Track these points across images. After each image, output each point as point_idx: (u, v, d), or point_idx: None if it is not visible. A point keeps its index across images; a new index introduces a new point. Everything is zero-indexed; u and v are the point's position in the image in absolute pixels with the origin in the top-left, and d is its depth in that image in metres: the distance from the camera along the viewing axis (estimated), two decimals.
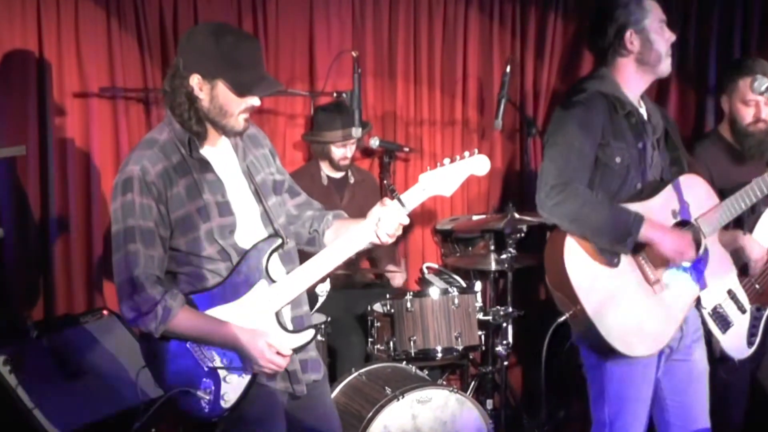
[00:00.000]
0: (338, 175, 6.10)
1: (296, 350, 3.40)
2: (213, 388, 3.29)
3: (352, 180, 6.13)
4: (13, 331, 4.87)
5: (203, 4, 5.83)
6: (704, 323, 4.30)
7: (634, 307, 3.84)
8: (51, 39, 5.42)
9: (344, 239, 3.43)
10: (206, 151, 3.42)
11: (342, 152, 5.94)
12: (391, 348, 5.30)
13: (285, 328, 3.41)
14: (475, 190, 6.76)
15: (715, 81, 6.58)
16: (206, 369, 3.31)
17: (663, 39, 3.92)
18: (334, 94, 4.98)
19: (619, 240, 3.75)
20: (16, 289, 5.37)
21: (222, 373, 3.31)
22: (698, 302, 4.11)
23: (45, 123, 5.42)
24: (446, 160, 3.37)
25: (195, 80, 3.27)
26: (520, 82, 6.75)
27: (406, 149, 6.38)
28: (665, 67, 3.97)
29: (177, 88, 3.31)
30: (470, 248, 6.39)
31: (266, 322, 3.37)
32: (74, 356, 4.92)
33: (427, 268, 6.15)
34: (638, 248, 3.83)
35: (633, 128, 3.91)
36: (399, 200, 3.36)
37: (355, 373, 5.13)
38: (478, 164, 3.40)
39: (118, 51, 5.61)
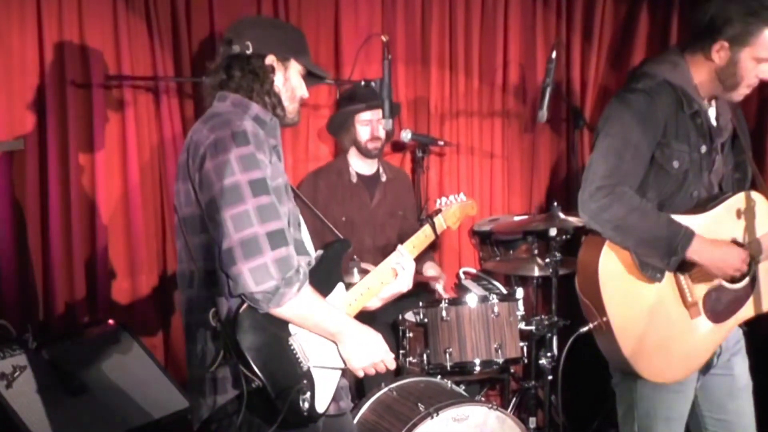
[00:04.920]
0: (369, 171, 6.04)
1: None
2: (310, 390, 3.31)
3: (383, 178, 6.08)
4: (10, 342, 4.81)
5: None
6: None
7: (665, 330, 3.79)
8: (52, 23, 5.35)
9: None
10: None
11: (368, 131, 5.87)
12: (425, 361, 5.25)
13: None
14: (517, 188, 6.73)
15: None
16: (305, 369, 3.32)
17: (751, 74, 3.75)
18: (362, 83, 4.90)
19: (663, 257, 3.68)
20: (13, 295, 5.32)
21: (318, 374, 3.35)
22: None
23: (44, 115, 5.37)
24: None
25: (271, 59, 3.49)
26: (567, 69, 6.74)
27: (441, 143, 6.35)
28: (736, 96, 3.85)
29: (251, 71, 3.48)
30: (511, 251, 6.36)
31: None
32: (77, 370, 4.87)
33: (464, 273, 6.12)
34: (682, 266, 3.75)
35: (698, 130, 3.81)
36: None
37: (385, 389, 5.07)
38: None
39: (125, 36, 5.54)
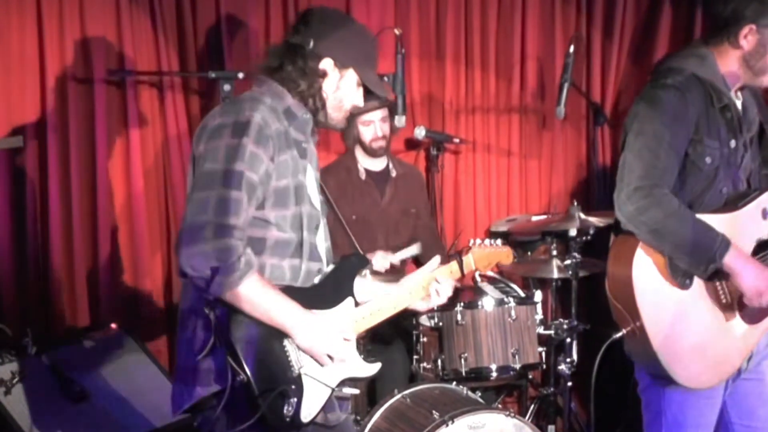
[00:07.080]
0: (378, 167, 6.00)
1: (358, 380, 3.56)
2: (297, 396, 3.30)
3: (393, 173, 6.03)
4: (9, 347, 4.80)
5: None
6: None
7: (700, 333, 3.76)
8: (52, 15, 5.31)
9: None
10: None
11: (371, 131, 5.83)
12: (439, 366, 5.23)
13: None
14: (535, 187, 6.71)
15: None
16: (295, 373, 3.31)
17: None
18: None
19: (699, 264, 3.66)
20: (12, 299, 5.31)
21: (308, 381, 3.33)
22: None
23: (44, 111, 5.34)
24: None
25: (328, 63, 3.45)
26: (586, 65, 6.74)
27: (456, 140, 6.35)
28: (767, 80, 3.82)
29: (301, 68, 3.43)
30: (529, 253, 6.35)
31: (349, 343, 3.51)
32: (78, 376, 4.88)
33: (480, 275, 6.04)
34: (717, 273, 3.72)
35: (728, 124, 3.80)
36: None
37: (399, 395, 5.03)
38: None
39: (128, 29, 5.51)
